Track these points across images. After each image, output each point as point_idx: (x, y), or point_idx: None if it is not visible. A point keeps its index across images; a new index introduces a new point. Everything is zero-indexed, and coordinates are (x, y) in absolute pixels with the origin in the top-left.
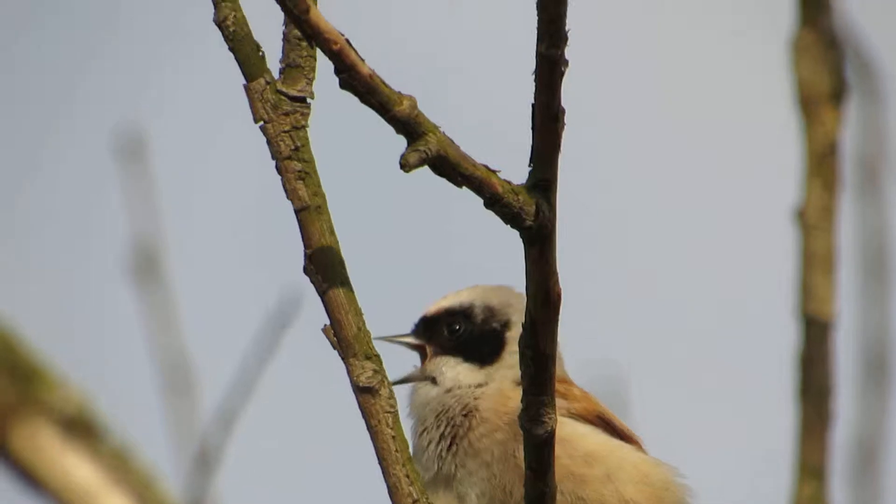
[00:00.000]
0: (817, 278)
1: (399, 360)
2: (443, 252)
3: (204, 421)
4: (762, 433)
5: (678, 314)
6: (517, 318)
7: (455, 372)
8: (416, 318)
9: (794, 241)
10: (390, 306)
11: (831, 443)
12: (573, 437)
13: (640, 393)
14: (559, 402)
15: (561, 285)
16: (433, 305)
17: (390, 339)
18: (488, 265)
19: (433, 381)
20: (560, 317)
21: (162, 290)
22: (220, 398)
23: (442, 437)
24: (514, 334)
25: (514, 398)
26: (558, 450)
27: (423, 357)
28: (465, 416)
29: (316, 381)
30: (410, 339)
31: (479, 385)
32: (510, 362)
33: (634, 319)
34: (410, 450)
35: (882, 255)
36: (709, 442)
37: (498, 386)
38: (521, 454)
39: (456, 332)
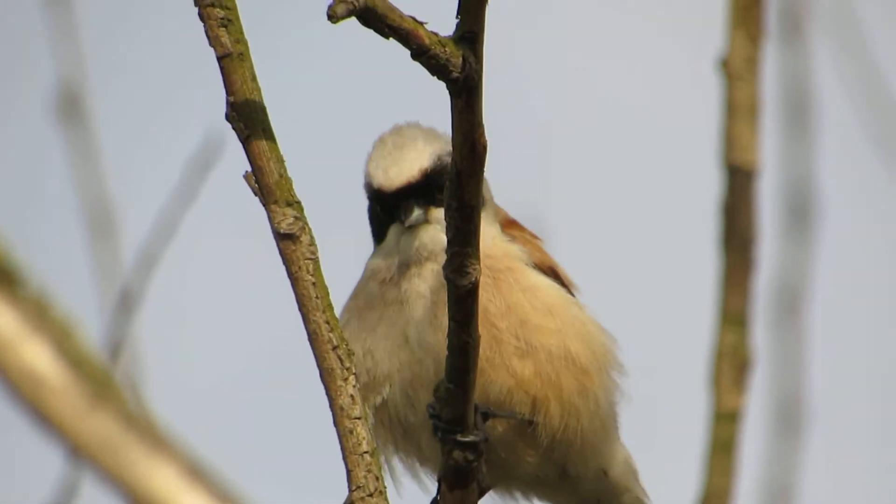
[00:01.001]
0: (741, 127)
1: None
2: (368, 103)
3: (126, 263)
4: (686, 281)
5: (601, 162)
6: None
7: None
8: (380, 192)
9: (719, 90)
10: (312, 154)
11: (754, 290)
12: (536, 288)
13: (562, 237)
14: (522, 249)
15: (487, 136)
16: (407, 171)
17: (411, 224)
18: (415, 117)
19: (439, 228)
20: (484, 168)
21: (85, 132)
22: (142, 241)
23: (433, 269)
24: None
25: (502, 247)
26: (521, 297)
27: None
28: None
29: (239, 228)
30: (422, 214)
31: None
32: (489, 212)
33: (557, 165)
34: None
35: (806, 103)
36: (631, 289)
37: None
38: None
39: (442, 189)
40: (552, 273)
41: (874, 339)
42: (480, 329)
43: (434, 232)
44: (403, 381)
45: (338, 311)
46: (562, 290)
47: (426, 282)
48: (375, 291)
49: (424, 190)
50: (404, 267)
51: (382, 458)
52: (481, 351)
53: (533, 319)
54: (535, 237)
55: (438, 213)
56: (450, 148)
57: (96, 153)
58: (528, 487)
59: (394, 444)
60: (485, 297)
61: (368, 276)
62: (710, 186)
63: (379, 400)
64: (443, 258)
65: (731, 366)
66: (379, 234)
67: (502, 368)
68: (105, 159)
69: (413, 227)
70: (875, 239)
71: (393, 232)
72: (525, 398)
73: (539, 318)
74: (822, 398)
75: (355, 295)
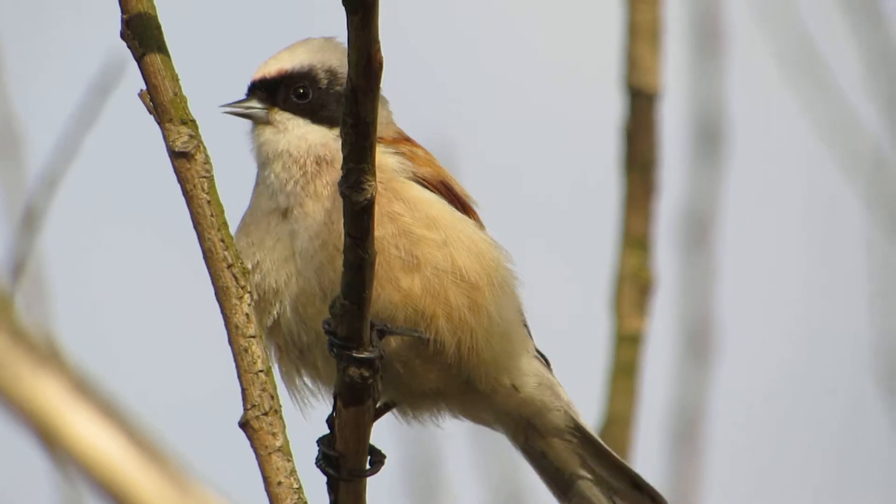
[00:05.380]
0: (643, 50)
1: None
2: (266, 22)
3: (30, 183)
4: (588, 204)
5: (505, 82)
6: None
7: (304, 129)
8: (247, 80)
9: (621, 13)
10: (208, 73)
11: (656, 213)
12: (418, 200)
13: (466, 158)
14: (405, 163)
15: (383, 53)
16: (270, 66)
17: (233, 110)
18: (311, 33)
19: (278, 129)
20: (381, 84)
21: None
22: (46, 161)
23: (291, 178)
24: None
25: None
26: (400, 207)
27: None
28: (317, 164)
29: (137, 146)
30: (255, 106)
31: (327, 144)
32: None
33: (461, 87)
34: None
35: (715, 26)
36: (534, 211)
37: None
38: None
39: (302, 97)
40: (443, 187)
41: (783, 264)
42: None
43: (269, 134)
44: (292, 296)
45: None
46: (446, 205)
47: (309, 192)
48: (262, 204)
49: (276, 89)
50: (263, 168)
51: (280, 377)
52: None
53: (415, 230)
54: (428, 153)
55: (281, 116)
56: (338, 65)
57: (1, 73)
58: (435, 403)
59: (293, 366)
60: None
61: (257, 183)
62: (611, 109)
63: (270, 320)
64: (286, 161)
65: (632, 288)
66: None
67: (388, 282)
68: (10, 79)
69: (253, 123)
70: (785, 163)
71: (235, 108)
72: (413, 314)
73: (421, 229)
74: (730, 323)
75: (250, 208)
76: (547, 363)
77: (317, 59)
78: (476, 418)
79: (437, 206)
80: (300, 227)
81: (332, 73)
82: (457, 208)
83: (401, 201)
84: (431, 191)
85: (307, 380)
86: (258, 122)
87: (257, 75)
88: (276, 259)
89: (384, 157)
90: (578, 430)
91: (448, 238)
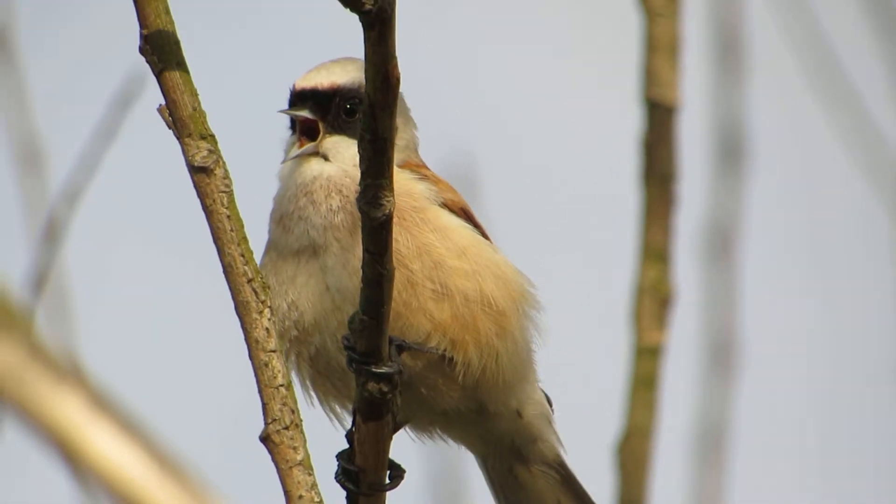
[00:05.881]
0: (661, 64)
1: (234, 141)
2: (283, 38)
3: (51, 197)
4: (607, 217)
5: (524, 99)
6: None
7: (352, 152)
8: (292, 86)
9: (640, 26)
10: (227, 88)
11: (675, 226)
12: (448, 229)
13: (485, 173)
14: (431, 188)
15: (400, 69)
16: (322, 77)
17: (287, 112)
18: (329, 50)
19: (325, 158)
20: (397, 100)
21: (14, 68)
22: (67, 175)
23: (330, 209)
24: (400, 121)
25: (406, 185)
26: (434, 239)
27: (297, 131)
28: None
29: (159, 161)
30: (306, 113)
31: None
32: (401, 146)
33: (479, 105)
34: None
35: (736, 38)
36: (553, 226)
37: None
38: (401, 240)
39: (351, 114)
40: (464, 215)
41: (806, 276)
42: None
43: (318, 166)
44: (330, 328)
45: (254, 246)
46: (474, 231)
47: (335, 224)
48: (282, 239)
49: (326, 104)
50: (301, 201)
51: (313, 397)
52: (397, 293)
53: (447, 261)
54: (443, 180)
55: (332, 142)
56: None
57: (24, 89)
58: (445, 424)
59: (333, 390)
60: (393, 237)
61: (274, 218)
62: (630, 122)
63: (313, 350)
64: (332, 192)
65: (652, 301)
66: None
67: (419, 312)
68: (33, 95)
69: (299, 157)
70: (808, 175)
71: (288, 154)
72: (443, 340)
73: (453, 259)
74: (754, 337)
75: (268, 247)
76: (547, 398)
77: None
78: (465, 440)
79: (465, 233)
80: (335, 262)
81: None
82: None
83: (433, 231)
84: (457, 216)
85: (349, 403)
86: (305, 153)
87: (307, 84)
88: (310, 296)
89: (413, 184)
90: (562, 467)
91: (477, 267)
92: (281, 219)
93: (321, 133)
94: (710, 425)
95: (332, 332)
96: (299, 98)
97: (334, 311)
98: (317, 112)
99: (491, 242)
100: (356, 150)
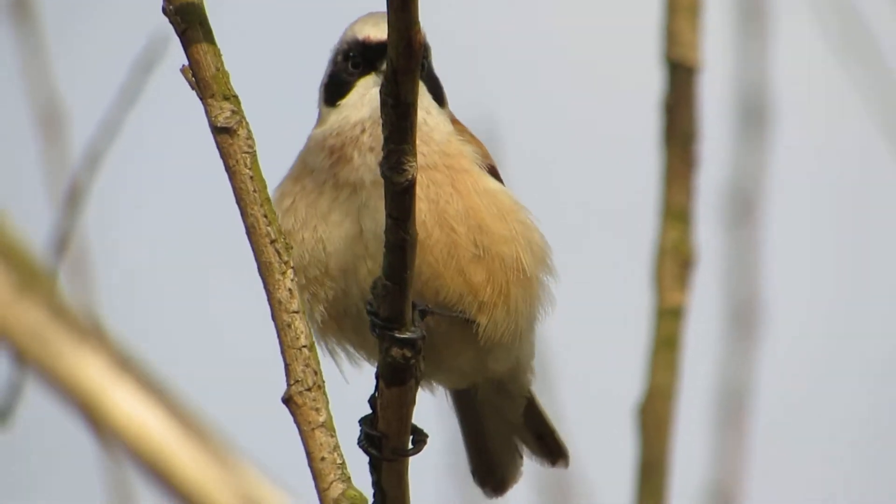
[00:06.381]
0: (682, 24)
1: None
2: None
3: (73, 160)
4: (629, 178)
5: (544, 60)
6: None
7: (428, 100)
8: (372, 39)
9: None
10: (250, 48)
11: (696, 188)
12: (493, 192)
13: (513, 143)
14: (477, 151)
15: (423, 33)
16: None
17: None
18: (351, 12)
19: None
20: (421, 65)
21: (35, 32)
22: (89, 138)
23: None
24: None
25: (457, 147)
26: (480, 201)
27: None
28: (425, 141)
29: (181, 122)
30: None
31: (438, 125)
32: (444, 112)
33: (500, 70)
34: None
35: (760, 1)
36: (578, 189)
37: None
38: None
39: (423, 69)
40: (495, 174)
41: (828, 241)
42: (438, 230)
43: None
44: (359, 275)
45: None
46: (511, 194)
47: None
48: (325, 167)
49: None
50: (377, 131)
51: (324, 349)
52: (437, 253)
53: (490, 225)
54: (477, 139)
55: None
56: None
57: (45, 52)
58: (447, 378)
59: (340, 335)
60: (443, 198)
61: (315, 146)
62: (651, 83)
63: (331, 294)
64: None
65: (673, 262)
66: (339, 93)
67: (458, 274)
68: (54, 57)
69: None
70: (831, 139)
71: (362, 85)
72: (473, 303)
73: (496, 223)
74: (776, 299)
75: (297, 174)
76: None
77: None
78: (454, 383)
79: (505, 197)
80: (369, 201)
81: (426, 49)
82: None
83: (479, 195)
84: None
85: (352, 351)
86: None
87: (373, 37)
88: (342, 237)
89: (463, 146)
90: (532, 396)
91: (514, 233)
92: (342, 146)
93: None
94: (731, 387)
95: (360, 281)
96: (369, 54)
97: (366, 257)
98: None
99: (522, 204)
100: (428, 100)
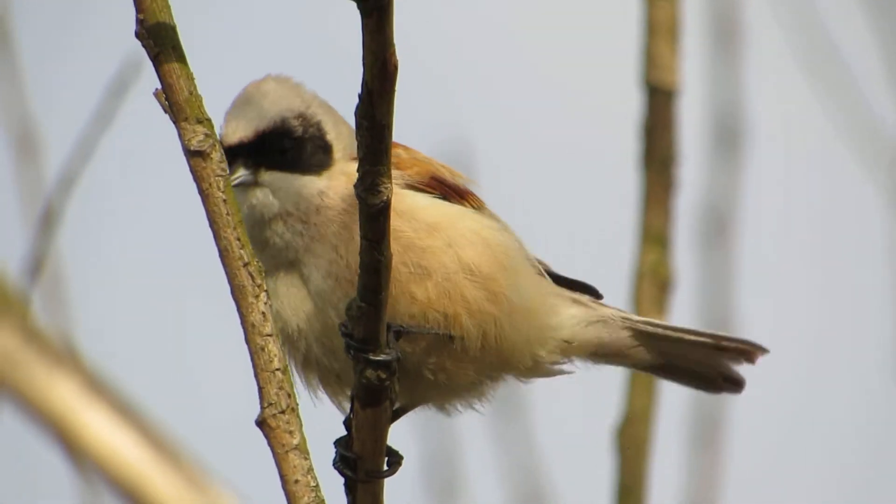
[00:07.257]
0: (661, 47)
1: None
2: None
3: (47, 183)
4: (607, 202)
5: (522, 80)
6: (321, 114)
7: (297, 184)
8: (224, 142)
9: (640, 11)
10: (223, 72)
11: (675, 210)
12: (414, 209)
13: (488, 166)
14: (394, 172)
15: (398, 56)
16: (243, 128)
17: (234, 184)
18: (325, 39)
19: (272, 190)
20: (396, 87)
21: (10, 54)
22: (63, 161)
23: (296, 233)
24: (333, 133)
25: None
26: (400, 223)
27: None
28: (317, 212)
29: (155, 145)
30: (246, 177)
31: (322, 191)
32: (342, 162)
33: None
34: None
35: (734, 23)
36: (553, 209)
37: (340, 181)
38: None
39: (286, 151)
40: (434, 182)
41: (802, 260)
42: None
43: (262, 196)
44: (315, 333)
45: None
46: (444, 204)
47: (315, 237)
48: (264, 261)
49: (259, 150)
50: (262, 229)
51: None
52: None
53: (417, 243)
54: (408, 149)
55: (271, 176)
56: (303, 107)
57: (20, 75)
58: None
59: (336, 388)
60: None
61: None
62: (631, 106)
63: (300, 358)
64: (287, 220)
65: (651, 284)
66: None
67: (403, 296)
68: (29, 80)
69: (242, 187)
70: (804, 160)
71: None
72: (437, 317)
73: (424, 239)
74: (750, 319)
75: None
76: (589, 289)
77: (285, 108)
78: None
79: (433, 209)
80: (311, 270)
81: (303, 118)
82: (453, 197)
83: (399, 216)
84: (424, 191)
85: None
86: (247, 185)
87: (233, 139)
88: (292, 304)
89: None
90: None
91: (451, 238)
92: (261, 233)
93: (260, 173)
94: (706, 410)
95: (318, 336)
96: (233, 155)
97: (317, 314)
98: (252, 164)
99: (468, 202)
100: (297, 181)
